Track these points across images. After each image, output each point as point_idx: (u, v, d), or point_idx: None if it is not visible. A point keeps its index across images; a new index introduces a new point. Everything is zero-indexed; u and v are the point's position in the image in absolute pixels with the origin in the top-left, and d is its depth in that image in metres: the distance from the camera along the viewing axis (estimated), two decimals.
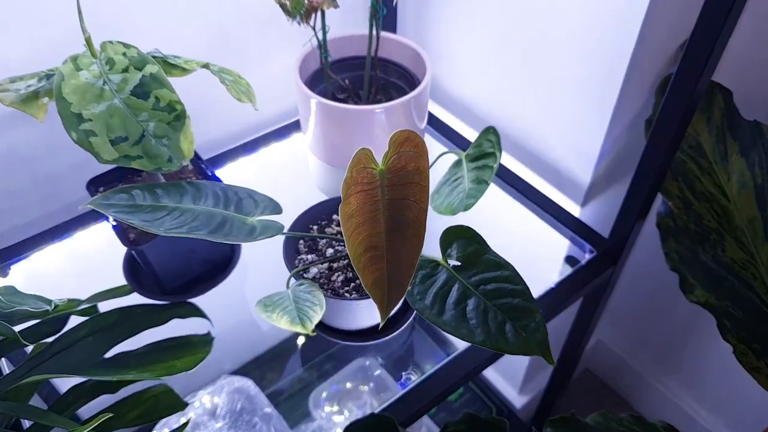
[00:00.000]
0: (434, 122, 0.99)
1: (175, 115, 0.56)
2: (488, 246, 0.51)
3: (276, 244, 0.69)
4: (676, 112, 0.62)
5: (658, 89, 0.76)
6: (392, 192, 0.47)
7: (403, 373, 0.68)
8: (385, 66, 0.84)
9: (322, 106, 0.75)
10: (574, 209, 0.88)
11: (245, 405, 1.00)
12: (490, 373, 1.32)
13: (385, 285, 0.47)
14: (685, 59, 0.59)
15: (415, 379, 0.67)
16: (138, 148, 0.55)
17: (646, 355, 1.30)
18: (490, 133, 0.69)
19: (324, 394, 1.08)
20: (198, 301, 0.73)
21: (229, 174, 0.91)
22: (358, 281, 0.65)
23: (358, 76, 0.85)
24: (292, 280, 0.61)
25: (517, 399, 1.30)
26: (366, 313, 0.66)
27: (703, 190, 0.72)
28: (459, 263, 0.51)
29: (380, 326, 0.47)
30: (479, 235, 0.51)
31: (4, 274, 0.79)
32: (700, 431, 1.25)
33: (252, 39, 0.90)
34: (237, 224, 0.53)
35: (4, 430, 0.62)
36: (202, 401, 1.01)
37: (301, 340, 1.06)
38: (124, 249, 0.77)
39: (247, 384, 1.00)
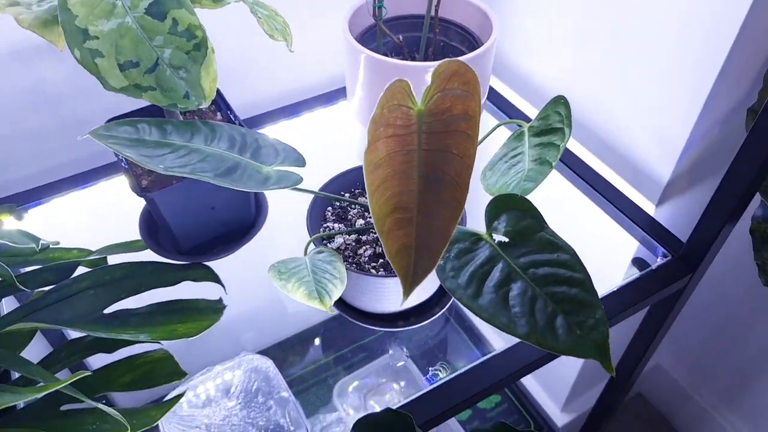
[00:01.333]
0: (494, 97, 0.90)
1: (195, 44, 0.49)
2: (545, 222, 0.42)
3: (305, 209, 0.61)
4: None
5: None
6: (431, 140, 0.39)
7: (431, 368, 0.59)
8: (446, 27, 0.75)
9: (370, 61, 0.67)
10: (648, 207, 0.76)
11: (261, 386, 0.93)
12: (532, 385, 1.21)
13: (412, 254, 0.39)
14: None
15: (443, 376, 0.58)
16: (151, 77, 0.48)
17: (710, 387, 1.16)
18: (559, 104, 0.59)
19: (352, 386, 1.01)
20: (216, 265, 0.67)
21: None
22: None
23: (414, 38, 0.77)
24: (312, 245, 0.53)
25: (559, 417, 1.19)
26: (394, 295, 0.58)
27: None
28: (506, 239, 0.41)
29: (402, 303, 0.39)
30: (535, 207, 0.42)
31: (19, 217, 0.74)
32: None
33: None
34: (250, 171, 0.45)
35: None
36: (216, 376, 0.95)
37: (329, 325, 0.98)
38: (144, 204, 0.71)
39: (267, 364, 0.93)
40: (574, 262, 0.40)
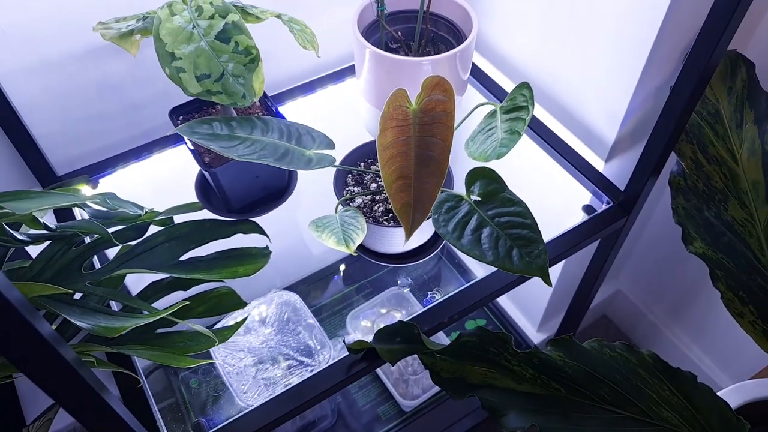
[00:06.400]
0: (477, 74, 1.07)
1: (251, 58, 0.66)
2: (506, 185, 0.60)
3: (326, 177, 0.79)
4: (692, 77, 0.69)
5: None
6: (422, 130, 0.57)
7: (429, 293, 0.79)
8: (435, 20, 0.92)
9: (375, 55, 0.84)
10: (598, 164, 0.95)
11: (291, 316, 1.14)
12: (512, 310, 1.43)
13: (411, 210, 0.58)
14: (702, 31, 0.65)
15: (438, 298, 0.78)
16: (219, 84, 0.66)
17: (661, 306, 1.39)
18: (524, 88, 0.77)
19: (361, 315, 1.22)
20: (258, 220, 0.85)
21: (288, 111, 1.02)
22: None
23: (410, 29, 0.93)
24: (340, 206, 0.72)
25: (535, 336, 1.41)
26: (401, 240, 0.77)
27: (714, 154, 0.79)
28: (479, 198, 0.60)
29: (405, 243, 0.58)
30: (499, 176, 0.61)
31: (95, 185, 0.92)
32: (705, 380, 1.34)
33: None
34: (297, 155, 0.64)
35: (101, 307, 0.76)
36: (253, 309, 1.15)
37: (342, 267, 1.18)
38: (195, 171, 0.89)
39: (294, 298, 1.14)
40: (525, 212, 0.59)
